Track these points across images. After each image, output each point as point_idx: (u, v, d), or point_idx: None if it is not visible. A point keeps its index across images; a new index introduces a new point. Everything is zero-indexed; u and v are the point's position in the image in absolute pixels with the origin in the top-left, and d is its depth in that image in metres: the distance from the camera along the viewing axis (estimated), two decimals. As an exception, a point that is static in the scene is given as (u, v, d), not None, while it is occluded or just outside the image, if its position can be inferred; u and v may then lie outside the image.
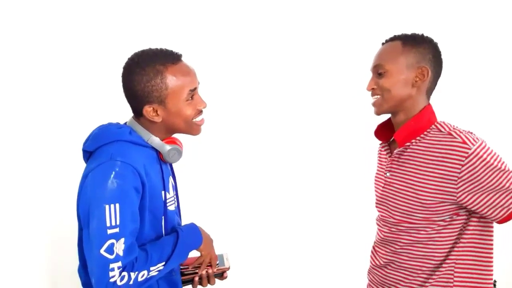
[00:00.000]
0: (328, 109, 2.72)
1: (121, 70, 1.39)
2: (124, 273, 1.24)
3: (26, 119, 2.12)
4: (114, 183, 1.24)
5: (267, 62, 2.66)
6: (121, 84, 1.40)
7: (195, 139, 1.59)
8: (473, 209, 1.33)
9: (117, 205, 1.24)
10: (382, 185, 1.49)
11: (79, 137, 1.47)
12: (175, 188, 1.53)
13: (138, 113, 1.39)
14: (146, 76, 1.32)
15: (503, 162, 1.31)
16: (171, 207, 1.45)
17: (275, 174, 2.70)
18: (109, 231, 1.23)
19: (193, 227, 1.45)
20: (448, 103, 2.53)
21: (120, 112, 1.47)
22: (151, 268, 1.29)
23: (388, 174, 1.46)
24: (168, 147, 1.40)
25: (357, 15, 2.70)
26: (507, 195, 1.29)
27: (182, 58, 1.39)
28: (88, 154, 1.40)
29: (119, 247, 1.23)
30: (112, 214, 1.23)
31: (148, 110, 1.35)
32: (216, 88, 2.45)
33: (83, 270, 1.41)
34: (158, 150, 1.40)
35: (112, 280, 1.22)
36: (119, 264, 1.23)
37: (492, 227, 1.40)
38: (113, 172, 1.25)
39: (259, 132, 2.67)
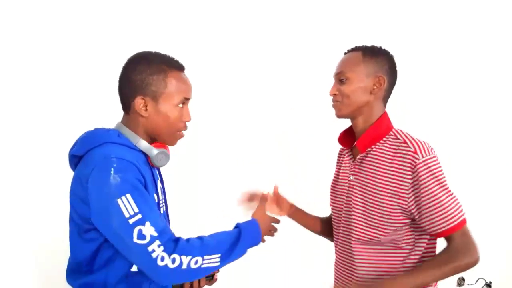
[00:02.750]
0: (307, 113, 2.75)
1: (109, 77, 1.43)
2: (175, 255, 1.23)
3: (16, 124, 2.12)
4: (117, 178, 1.24)
5: (251, 68, 2.69)
6: (110, 88, 1.43)
7: (182, 144, 1.59)
8: (417, 218, 1.40)
9: (128, 195, 1.24)
10: (347, 188, 1.57)
11: (66, 141, 1.47)
12: (163, 191, 1.53)
13: (127, 106, 1.41)
14: (150, 69, 1.37)
15: (446, 181, 1.40)
16: (160, 210, 1.45)
17: (263, 176, 2.69)
18: (131, 221, 1.22)
19: (253, 224, 1.44)
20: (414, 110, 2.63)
21: (108, 117, 1.49)
22: (206, 257, 1.28)
23: (352, 177, 1.55)
24: (156, 150, 1.40)
25: (333, 22, 2.75)
26: (443, 213, 1.36)
27: (185, 71, 1.45)
28: (76, 159, 1.39)
29: (149, 230, 1.22)
30: (127, 205, 1.23)
31: (139, 101, 1.37)
32: (203, 95, 2.48)
33: (71, 275, 1.40)
34: (146, 154, 1.41)
35: (161, 263, 1.21)
36: (158, 242, 1.22)
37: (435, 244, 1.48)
38: (112, 169, 1.25)
39: (245, 136, 2.69)
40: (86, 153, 1.35)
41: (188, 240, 1.30)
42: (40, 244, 2.21)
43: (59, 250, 1.63)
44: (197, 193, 2.62)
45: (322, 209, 2.71)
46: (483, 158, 2.78)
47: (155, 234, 1.23)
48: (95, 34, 2.36)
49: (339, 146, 1.91)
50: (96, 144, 1.33)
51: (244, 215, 1.57)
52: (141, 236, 1.22)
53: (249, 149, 2.71)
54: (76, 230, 1.35)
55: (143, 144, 1.39)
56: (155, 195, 1.40)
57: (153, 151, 1.40)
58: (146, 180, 1.33)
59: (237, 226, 1.42)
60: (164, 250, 1.22)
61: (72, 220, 1.38)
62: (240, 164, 2.70)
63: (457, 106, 2.80)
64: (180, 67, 1.42)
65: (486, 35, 2.81)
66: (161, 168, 1.54)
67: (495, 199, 2.72)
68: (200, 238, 1.32)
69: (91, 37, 2.34)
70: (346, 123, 1.67)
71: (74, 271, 1.39)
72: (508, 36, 2.80)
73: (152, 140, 1.45)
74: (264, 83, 2.73)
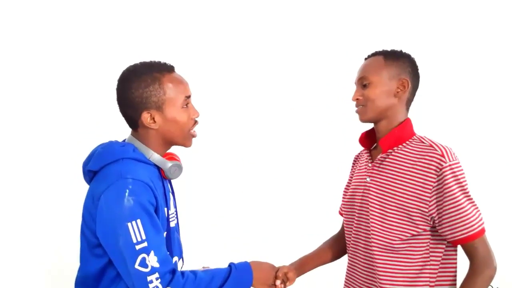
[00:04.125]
0: (319, 117, 2.75)
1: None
2: None
3: (30, 136, 2.17)
4: (130, 200, 1.24)
5: (252, 69, 2.68)
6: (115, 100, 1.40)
7: (190, 155, 1.59)
8: (437, 224, 1.40)
9: (139, 221, 1.24)
10: (362, 190, 1.55)
11: (81, 150, 1.47)
12: (175, 204, 1.52)
13: (134, 124, 1.39)
14: (144, 82, 1.35)
15: (468, 188, 1.40)
16: (172, 224, 1.44)
17: (267, 185, 2.71)
18: (137, 247, 1.24)
19: (246, 268, 1.41)
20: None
21: (118, 129, 1.48)
22: None
23: (368, 179, 1.53)
24: (169, 163, 1.40)
25: (345, 25, 2.74)
26: (465, 220, 1.36)
27: (175, 70, 1.43)
28: (91, 173, 1.38)
29: (152, 259, 1.24)
30: (136, 230, 1.24)
31: (145, 116, 1.36)
32: (204, 95, 2.47)
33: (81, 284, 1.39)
34: (159, 167, 1.40)
35: None
36: (157, 275, 1.24)
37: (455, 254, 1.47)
38: (127, 190, 1.25)
39: (245, 136, 2.69)
40: (101, 168, 1.33)
41: (183, 273, 1.30)
42: (51, 252, 2.24)
43: (68, 259, 1.61)
44: (197, 194, 2.61)
45: (322, 209, 2.74)
46: (484, 161, 2.79)
47: (157, 265, 1.24)
48: (100, 38, 2.36)
49: (339, 146, 1.91)
50: (111, 160, 1.32)
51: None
52: (143, 264, 1.24)
53: (249, 149, 2.70)
54: (86, 243, 1.35)
55: (156, 158, 1.39)
56: (166, 209, 1.39)
57: (167, 164, 1.39)
58: (158, 198, 1.32)
59: (230, 265, 1.40)
60: (160, 282, 1.24)
61: (83, 233, 1.37)
62: (240, 164, 2.69)
63: (464, 110, 2.82)
64: (170, 69, 1.40)
65: (491, 39, 2.82)
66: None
67: (503, 204, 2.76)
68: (193, 272, 1.33)
69: (97, 42, 2.35)
70: (347, 124, 1.65)
71: (82, 284, 1.39)
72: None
73: (167, 149, 1.44)
74: (264, 84, 2.71)
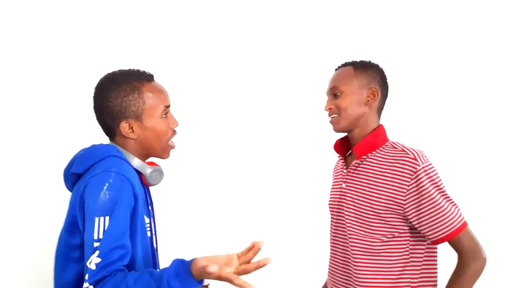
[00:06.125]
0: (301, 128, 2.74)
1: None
2: None
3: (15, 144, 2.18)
4: (107, 195, 1.22)
5: (250, 71, 2.68)
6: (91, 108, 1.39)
7: (180, 146, 1.58)
8: (415, 224, 1.41)
9: (107, 218, 1.21)
10: (338, 196, 1.58)
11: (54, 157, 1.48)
12: (153, 214, 1.48)
13: (112, 133, 1.39)
14: (123, 92, 1.34)
15: (444, 187, 1.42)
16: (148, 234, 1.39)
17: (257, 188, 2.71)
18: (95, 244, 1.20)
19: (176, 268, 1.17)
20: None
21: (97, 137, 1.47)
22: None
23: (344, 185, 1.57)
24: (149, 168, 1.39)
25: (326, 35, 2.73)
26: (444, 218, 1.37)
27: (155, 79, 1.42)
28: (75, 177, 1.36)
29: (94, 260, 1.19)
30: (100, 227, 1.21)
31: (124, 126, 1.35)
32: (204, 97, 2.50)
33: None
34: (140, 173, 1.39)
35: None
36: (86, 277, 1.18)
37: (435, 252, 1.48)
38: (107, 184, 1.23)
39: (244, 138, 2.69)
40: (86, 170, 1.32)
41: (110, 280, 1.17)
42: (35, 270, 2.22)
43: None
44: (196, 197, 2.62)
45: (321, 209, 2.68)
46: (477, 161, 2.73)
47: (93, 268, 1.17)
48: (81, 45, 2.37)
49: (328, 147, 1.88)
50: (98, 159, 1.31)
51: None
52: (90, 262, 1.19)
53: (247, 151, 2.70)
54: (63, 250, 1.32)
55: (137, 162, 1.38)
56: (146, 217, 1.36)
57: (147, 169, 1.39)
58: (138, 201, 1.29)
59: (163, 271, 1.18)
60: (90, 284, 1.17)
61: (61, 241, 1.34)
62: (238, 166, 2.69)
63: (447, 112, 2.76)
64: (149, 77, 1.39)
65: (474, 45, 2.76)
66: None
67: (492, 204, 2.67)
68: (124, 277, 1.17)
69: (77, 48, 2.36)
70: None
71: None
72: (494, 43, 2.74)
73: (144, 159, 1.42)
74: (263, 85, 2.70)
